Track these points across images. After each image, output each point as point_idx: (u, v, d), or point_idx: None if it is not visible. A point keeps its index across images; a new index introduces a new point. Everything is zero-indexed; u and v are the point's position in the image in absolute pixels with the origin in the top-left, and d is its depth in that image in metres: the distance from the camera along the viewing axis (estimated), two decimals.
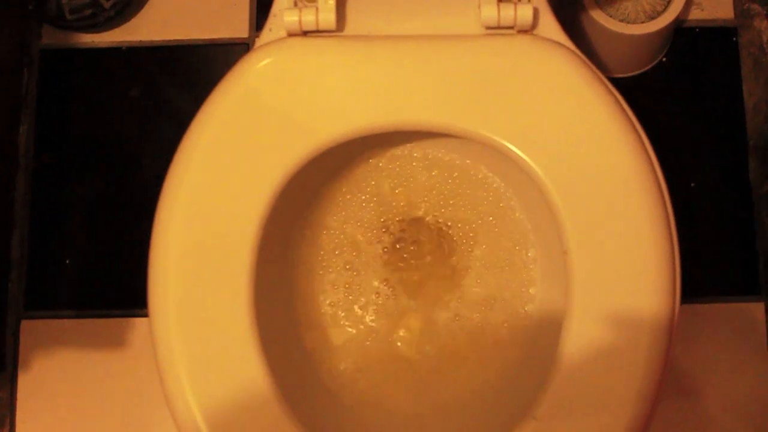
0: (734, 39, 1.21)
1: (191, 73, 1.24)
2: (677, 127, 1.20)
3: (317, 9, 0.83)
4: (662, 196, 0.81)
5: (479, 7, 0.83)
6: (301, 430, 0.77)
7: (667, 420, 1.11)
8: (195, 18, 1.25)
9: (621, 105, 0.82)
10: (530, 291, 0.94)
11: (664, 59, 1.21)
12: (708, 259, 1.17)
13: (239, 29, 1.25)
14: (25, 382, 1.18)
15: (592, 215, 0.79)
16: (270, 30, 0.87)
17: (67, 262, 1.21)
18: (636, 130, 0.82)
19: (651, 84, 1.20)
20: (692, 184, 1.18)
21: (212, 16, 1.25)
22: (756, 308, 1.15)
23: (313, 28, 0.84)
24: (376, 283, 0.96)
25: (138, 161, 1.23)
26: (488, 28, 0.84)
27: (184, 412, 0.77)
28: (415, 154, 0.98)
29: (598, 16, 1.10)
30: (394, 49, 0.83)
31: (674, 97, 1.21)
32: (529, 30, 0.84)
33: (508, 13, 0.82)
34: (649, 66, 1.20)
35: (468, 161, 0.97)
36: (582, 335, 0.77)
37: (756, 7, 1.18)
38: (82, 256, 1.21)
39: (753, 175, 1.17)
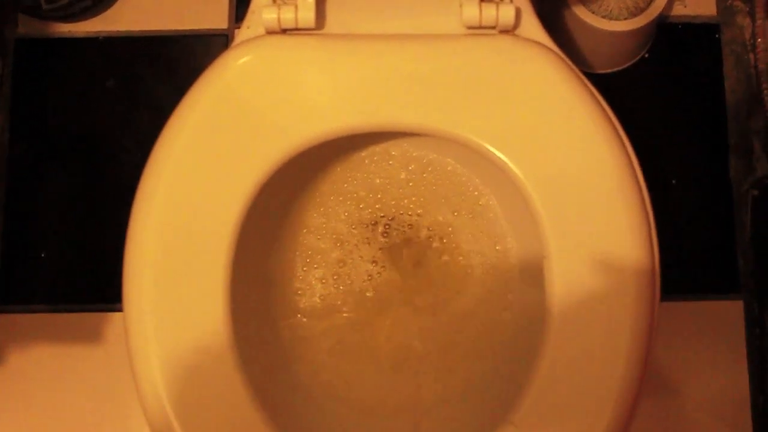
0: (716, 36, 1.21)
1: (169, 64, 1.23)
2: (659, 123, 1.20)
3: (296, 7, 0.82)
4: (641, 196, 0.80)
5: (461, 6, 0.82)
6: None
7: (644, 417, 1.11)
8: (173, 8, 1.23)
9: (601, 105, 0.82)
10: (508, 297, 0.93)
11: (646, 55, 1.20)
12: (687, 256, 1.17)
13: (218, 20, 1.23)
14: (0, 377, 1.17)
15: (572, 218, 0.78)
16: (248, 27, 0.85)
17: (43, 255, 1.19)
18: (615, 130, 0.81)
19: (633, 80, 1.20)
20: (673, 181, 1.18)
21: (191, 7, 1.23)
22: (735, 306, 1.15)
23: (292, 26, 0.82)
24: (361, 277, 0.96)
25: (115, 153, 1.21)
26: (470, 27, 0.83)
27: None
28: (393, 152, 0.97)
29: (580, 12, 1.09)
30: (374, 48, 0.82)
31: (656, 94, 1.20)
32: (510, 30, 0.83)
33: (489, 13, 0.81)
34: (632, 62, 1.20)
35: (447, 159, 0.97)
36: (561, 337, 0.76)
37: (738, 4, 1.18)
38: (57, 249, 1.20)
39: (734, 172, 1.17)
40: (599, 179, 0.79)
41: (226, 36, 1.23)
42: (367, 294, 0.95)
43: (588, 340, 0.77)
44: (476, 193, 0.97)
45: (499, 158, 0.79)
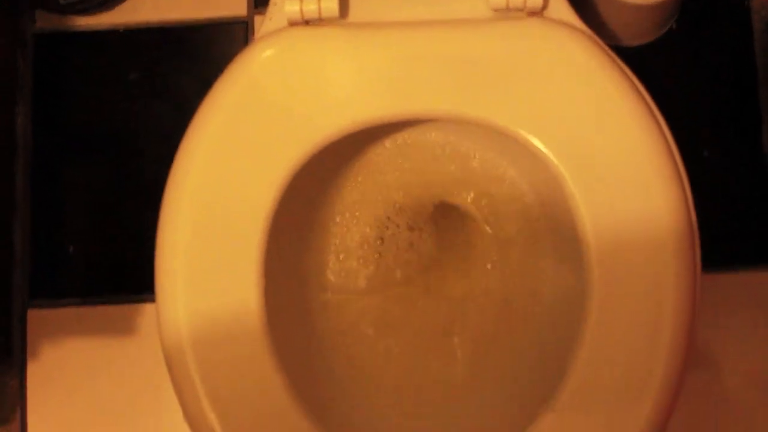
0: (745, 4, 1.18)
1: (190, 53, 1.22)
2: (689, 95, 1.18)
3: None
4: (678, 172, 0.79)
5: None
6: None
7: (685, 393, 1.10)
8: None
9: (635, 85, 0.80)
10: (543, 276, 0.93)
11: (674, 27, 1.18)
12: (721, 228, 1.15)
13: (238, 7, 1.22)
14: (34, 371, 1.17)
15: (609, 197, 0.77)
16: (270, 19, 0.84)
17: (71, 249, 1.19)
18: (650, 109, 0.80)
19: (661, 53, 1.18)
20: (705, 153, 1.16)
21: None
22: None
23: (316, 16, 0.81)
24: (403, 246, 0.96)
25: (138, 145, 1.21)
26: (496, 11, 0.81)
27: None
28: (419, 138, 0.96)
29: None
30: (399, 35, 0.81)
31: (685, 65, 1.18)
32: (539, 12, 0.81)
33: None
34: (660, 34, 1.18)
35: (474, 143, 0.95)
36: (602, 318, 0.75)
37: None
38: (85, 242, 1.19)
39: (767, 142, 1.15)
40: (635, 158, 0.77)
41: (246, 23, 1.21)
42: (411, 275, 0.95)
43: (630, 318, 0.75)
44: (501, 173, 0.95)
45: (532, 143, 0.78)
